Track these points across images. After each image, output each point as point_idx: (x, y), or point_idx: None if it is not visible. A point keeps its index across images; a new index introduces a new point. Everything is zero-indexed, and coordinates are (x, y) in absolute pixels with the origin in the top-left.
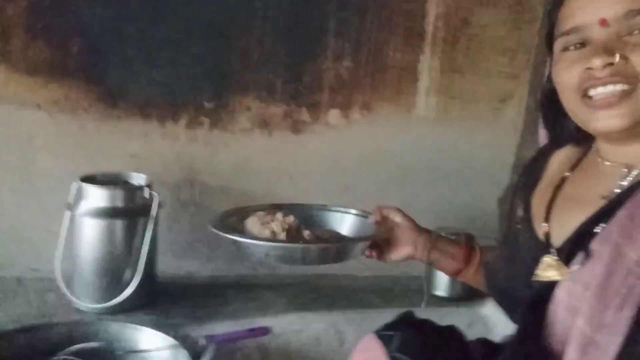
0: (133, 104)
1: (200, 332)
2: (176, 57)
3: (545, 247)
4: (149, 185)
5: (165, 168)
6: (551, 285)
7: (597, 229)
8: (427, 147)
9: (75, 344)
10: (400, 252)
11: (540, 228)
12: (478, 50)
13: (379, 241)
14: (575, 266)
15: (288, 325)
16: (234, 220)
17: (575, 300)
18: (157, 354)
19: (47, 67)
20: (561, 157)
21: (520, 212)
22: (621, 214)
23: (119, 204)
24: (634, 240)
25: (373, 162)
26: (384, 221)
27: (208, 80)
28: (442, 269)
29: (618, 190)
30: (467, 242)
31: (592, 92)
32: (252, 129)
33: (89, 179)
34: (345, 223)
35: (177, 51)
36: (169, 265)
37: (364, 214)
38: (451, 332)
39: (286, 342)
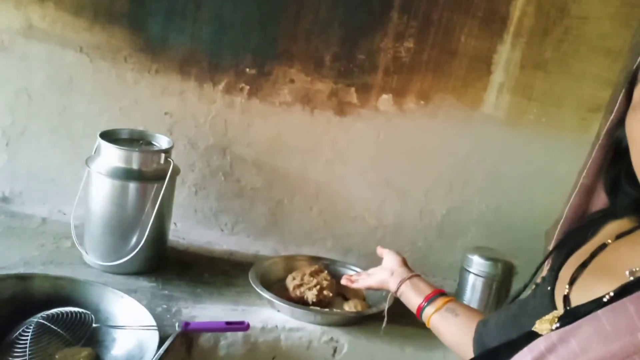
0: (173, 59)
1: (191, 312)
2: (223, 14)
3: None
4: (166, 151)
5: (198, 131)
6: (533, 336)
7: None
8: (489, 150)
9: (65, 301)
10: (376, 277)
11: (561, 290)
12: (573, 46)
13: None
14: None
15: (284, 323)
16: (279, 268)
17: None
18: (130, 329)
19: (93, 9)
20: (614, 227)
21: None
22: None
23: (134, 166)
24: None
25: (422, 158)
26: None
27: (253, 44)
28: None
29: None
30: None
31: None
32: (293, 104)
33: (111, 135)
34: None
35: (224, 8)
36: (190, 232)
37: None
38: None
39: (276, 339)
